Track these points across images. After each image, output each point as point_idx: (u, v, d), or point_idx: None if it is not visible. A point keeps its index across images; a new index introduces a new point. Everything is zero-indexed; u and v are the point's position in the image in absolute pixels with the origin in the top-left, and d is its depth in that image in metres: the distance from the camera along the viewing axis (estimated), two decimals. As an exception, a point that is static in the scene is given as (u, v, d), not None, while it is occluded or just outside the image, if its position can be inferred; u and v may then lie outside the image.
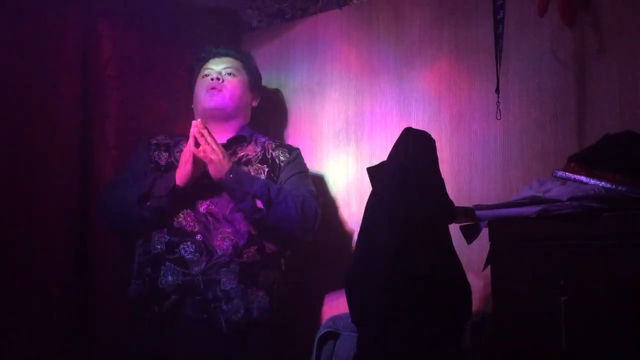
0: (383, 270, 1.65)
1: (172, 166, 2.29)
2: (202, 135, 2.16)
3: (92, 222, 2.38)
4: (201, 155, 2.16)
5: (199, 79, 2.43)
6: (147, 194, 2.19)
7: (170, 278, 2.16)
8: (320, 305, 2.55)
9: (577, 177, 1.66)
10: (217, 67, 2.42)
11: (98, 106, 2.47)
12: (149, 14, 2.60)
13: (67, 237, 2.34)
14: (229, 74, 2.41)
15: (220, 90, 2.37)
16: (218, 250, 2.19)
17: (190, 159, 2.17)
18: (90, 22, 2.47)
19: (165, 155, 2.35)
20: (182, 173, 2.19)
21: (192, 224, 2.21)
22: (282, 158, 2.37)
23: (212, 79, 2.38)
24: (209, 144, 2.16)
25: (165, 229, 2.21)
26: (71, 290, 2.34)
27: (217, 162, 2.17)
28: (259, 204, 2.17)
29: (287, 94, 2.78)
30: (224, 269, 2.17)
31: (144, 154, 2.37)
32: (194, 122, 2.19)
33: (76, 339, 2.33)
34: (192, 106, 2.47)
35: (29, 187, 2.25)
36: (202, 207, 2.24)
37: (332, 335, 2.15)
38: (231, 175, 2.17)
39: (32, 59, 2.29)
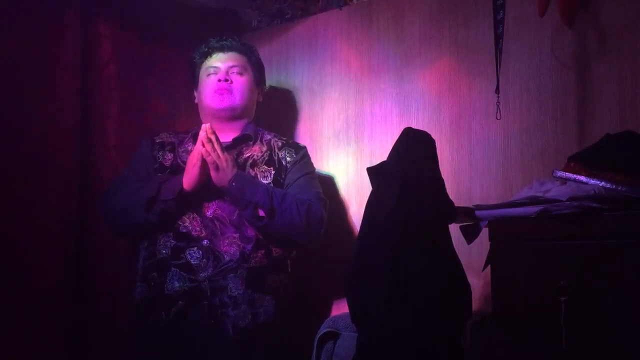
0: (383, 270, 1.65)
1: (177, 168, 2.28)
2: (210, 140, 2.14)
3: (91, 222, 2.38)
4: (208, 158, 2.14)
5: (204, 76, 2.39)
6: (154, 197, 2.17)
7: (176, 284, 2.14)
8: (321, 304, 2.55)
9: (577, 177, 1.66)
10: (223, 64, 2.37)
11: (98, 106, 2.47)
12: (149, 14, 2.60)
13: (67, 237, 2.34)
14: (236, 73, 2.37)
15: (230, 92, 2.34)
16: (225, 256, 2.17)
17: (198, 163, 2.15)
18: (90, 22, 2.46)
19: (170, 155, 2.32)
20: (189, 177, 2.17)
21: (198, 229, 2.19)
22: (288, 159, 2.33)
23: (219, 80, 2.34)
24: (215, 150, 2.14)
25: (171, 233, 2.19)
26: (70, 290, 2.33)
27: (221, 169, 2.15)
28: (261, 212, 2.15)
29: (287, 94, 2.78)
30: (232, 275, 2.15)
31: (148, 153, 2.34)
32: (203, 125, 2.16)
33: (76, 340, 2.33)
34: (195, 101, 2.45)
35: (28, 187, 2.25)
36: (209, 212, 2.21)
37: (332, 335, 2.15)
38: (234, 184, 2.15)
39: (32, 59, 2.29)
